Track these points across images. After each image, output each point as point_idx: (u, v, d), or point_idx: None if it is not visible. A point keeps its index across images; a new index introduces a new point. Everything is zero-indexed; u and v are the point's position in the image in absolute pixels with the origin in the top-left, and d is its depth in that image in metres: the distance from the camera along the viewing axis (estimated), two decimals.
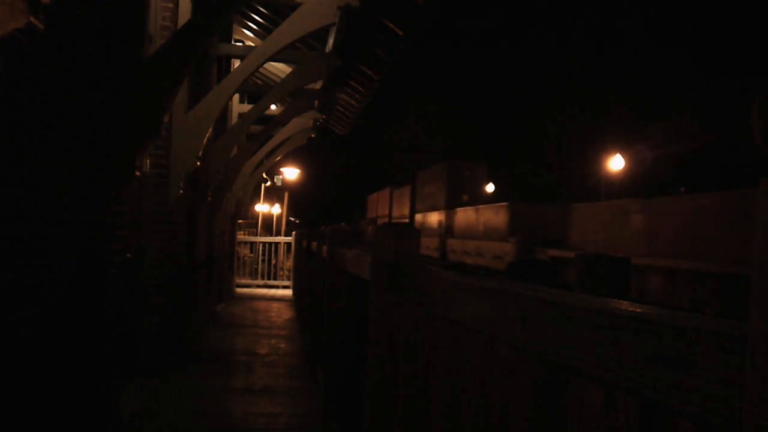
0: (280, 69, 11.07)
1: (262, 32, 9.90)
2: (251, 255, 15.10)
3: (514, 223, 16.63)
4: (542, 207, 16.00)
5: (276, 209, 28.00)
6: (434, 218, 27.58)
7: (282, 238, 15.83)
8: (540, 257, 13.98)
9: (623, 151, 25.06)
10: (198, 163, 6.38)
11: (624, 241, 11.80)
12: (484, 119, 53.77)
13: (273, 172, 24.07)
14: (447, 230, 26.33)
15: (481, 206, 20.85)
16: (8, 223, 2.55)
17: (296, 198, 38.11)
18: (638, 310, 0.83)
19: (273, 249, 14.88)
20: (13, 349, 2.53)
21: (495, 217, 18.38)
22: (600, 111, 34.17)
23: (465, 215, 22.64)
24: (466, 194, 25.47)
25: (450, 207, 25.29)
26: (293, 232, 14.58)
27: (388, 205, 37.15)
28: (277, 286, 14.33)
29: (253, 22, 10.09)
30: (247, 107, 11.28)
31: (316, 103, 11.22)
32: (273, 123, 11.08)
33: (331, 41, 7.55)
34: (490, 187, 35.60)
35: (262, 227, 24.03)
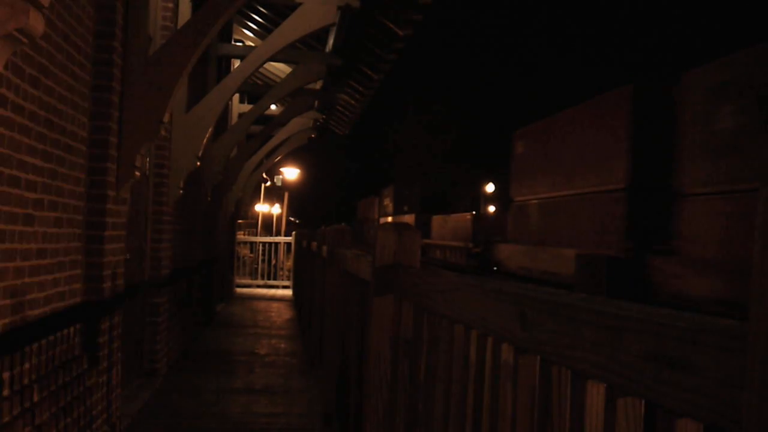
0: (280, 69, 11.06)
1: (262, 32, 9.89)
2: (251, 255, 15.10)
3: (417, 225, 28.51)
4: (427, 216, 26.37)
5: (276, 209, 28.00)
6: (387, 221, 35.77)
7: (282, 238, 15.82)
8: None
9: None
10: (198, 163, 6.38)
11: (444, 233, 21.21)
12: (485, 119, 53.83)
13: (273, 172, 24.07)
14: None
15: (407, 215, 32.20)
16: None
17: (296, 198, 39.89)
18: (638, 310, 0.83)
19: (273, 249, 14.87)
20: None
21: (411, 221, 28.66)
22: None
23: (401, 219, 33.50)
24: (407, 205, 35.62)
25: (395, 214, 36.85)
26: (293, 232, 14.57)
27: (368, 210, 47.54)
28: (277, 286, 14.33)
29: (253, 22, 10.09)
30: (247, 107, 11.27)
31: (316, 103, 11.21)
32: (273, 123, 11.07)
33: (331, 41, 7.55)
34: (490, 187, 37.23)
35: (262, 227, 24.02)
